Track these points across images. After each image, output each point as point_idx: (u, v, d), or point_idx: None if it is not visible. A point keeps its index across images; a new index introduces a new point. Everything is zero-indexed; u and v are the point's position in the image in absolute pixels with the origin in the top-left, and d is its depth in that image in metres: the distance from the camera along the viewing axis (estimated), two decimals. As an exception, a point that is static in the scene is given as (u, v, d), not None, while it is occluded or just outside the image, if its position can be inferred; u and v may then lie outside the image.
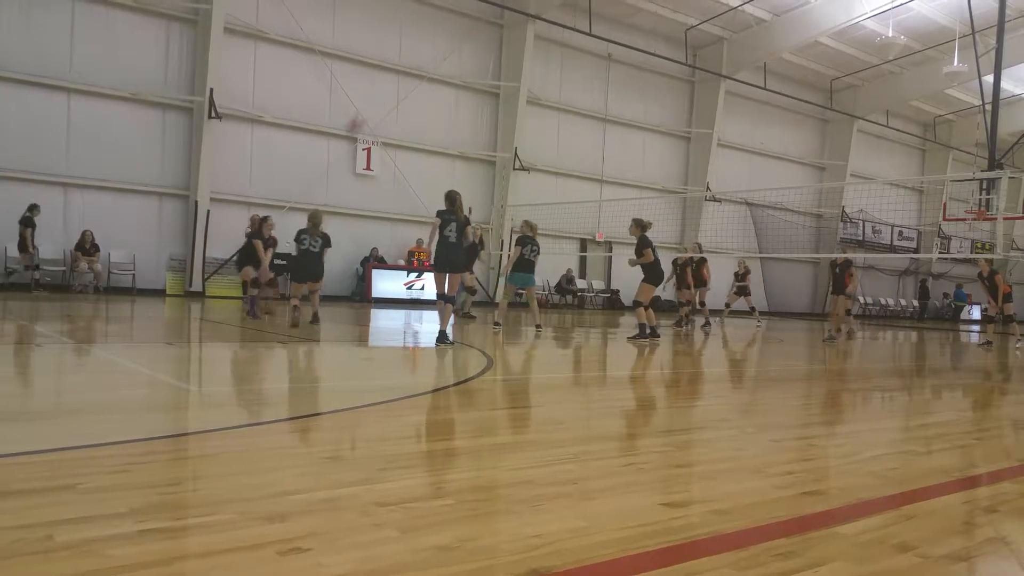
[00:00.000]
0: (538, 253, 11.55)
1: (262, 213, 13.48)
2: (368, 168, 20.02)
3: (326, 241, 10.74)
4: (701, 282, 15.65)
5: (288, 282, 12.70)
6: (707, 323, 15.51)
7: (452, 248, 8.50)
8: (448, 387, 5.55)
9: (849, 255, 14.32)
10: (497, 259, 21.57)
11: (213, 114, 17.19)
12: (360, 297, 19.40)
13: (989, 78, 20.11)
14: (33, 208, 15.03)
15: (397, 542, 2.08)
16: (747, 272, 17.11)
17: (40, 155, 16.01)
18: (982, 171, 19.13)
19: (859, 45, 25.49)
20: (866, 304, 30.51)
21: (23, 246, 15.02)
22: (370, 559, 1.96)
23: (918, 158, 34.28)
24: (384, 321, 13.52)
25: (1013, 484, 3.29)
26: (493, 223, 22.06)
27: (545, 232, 12.12)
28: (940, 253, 29.33)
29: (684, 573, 1.99)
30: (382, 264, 19.78)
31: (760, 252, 26.04)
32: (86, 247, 15.82)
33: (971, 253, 28.71)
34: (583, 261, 24.28)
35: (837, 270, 13.19)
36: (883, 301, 31.92)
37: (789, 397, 6.07)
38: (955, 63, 23.43)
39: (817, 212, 29.84)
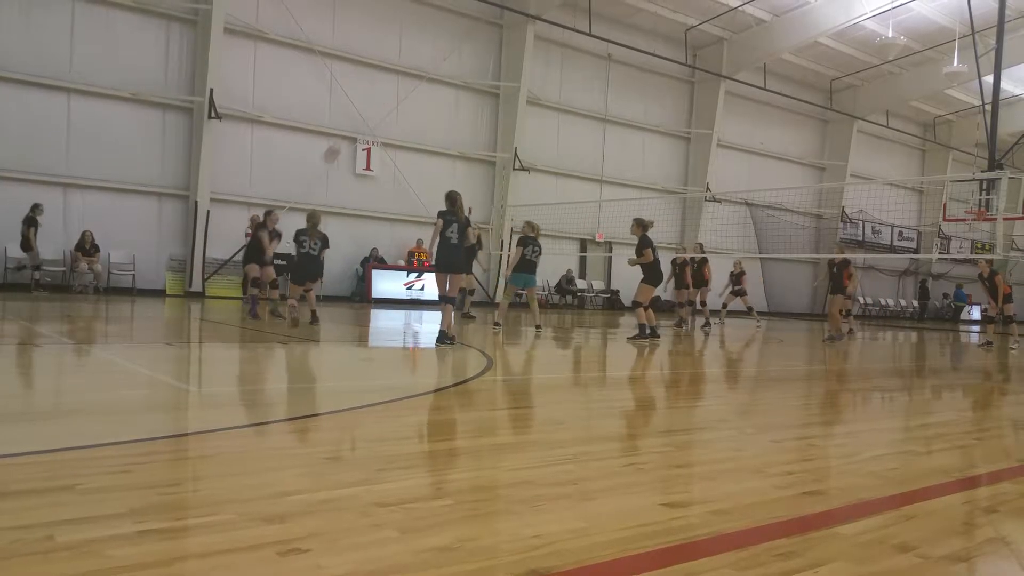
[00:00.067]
0: (540, 254, 11.56)
1: (262, 212, 13.48)
2: (368, 168, 20.03)
3: (324, 242, 10.78)
4: (702, 282, 15.66)
5: (287, 282, 12.70)
6: (707, 323, 15.51)
7: (454, 249, 8.52)
8: (448, 387, 5.55)
9: (847, 255, 14.30)
10: (496, 260, 21.58)
11: (213, 114, 17.19)
12: (360, 297, 19.40)
13: (989, 78, 20.11)
14: (36, 207, 15.04)
15: (397, 543, 2.08)
16: (742, 273, 17.09)
17: (40, 155, 16.01)
18: (982, 171, 19.13)
19: (859, 45, 25.50)
20: (866, 304, 30.50)
21: (27, 245, 15.03)
22: (370, 560, 1.96)
23: (918, 158, 34.29)
24: (384, 321, 13.52)
25: (1013, 484, 3.29)
26: (493, 223, 22.06)
27: (545, 232, 12.12)
28: (940, 253, 29.34)
29: (684, 573, 1.99)
30: (382, 264, 19.78)
31: (760, 252, 26.04)
32: (86, 247, 15.82)
33: (971, 253, 28.70)
34: (583, 261, 24.28)
35: (835, 270, 13.19)
36: (883, 301, 31.92)
37: (789, 397, 6.07)
38: (955, 63, 23.43)
39: (817, 212, 29.85)
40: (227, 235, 17.42)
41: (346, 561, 1.94)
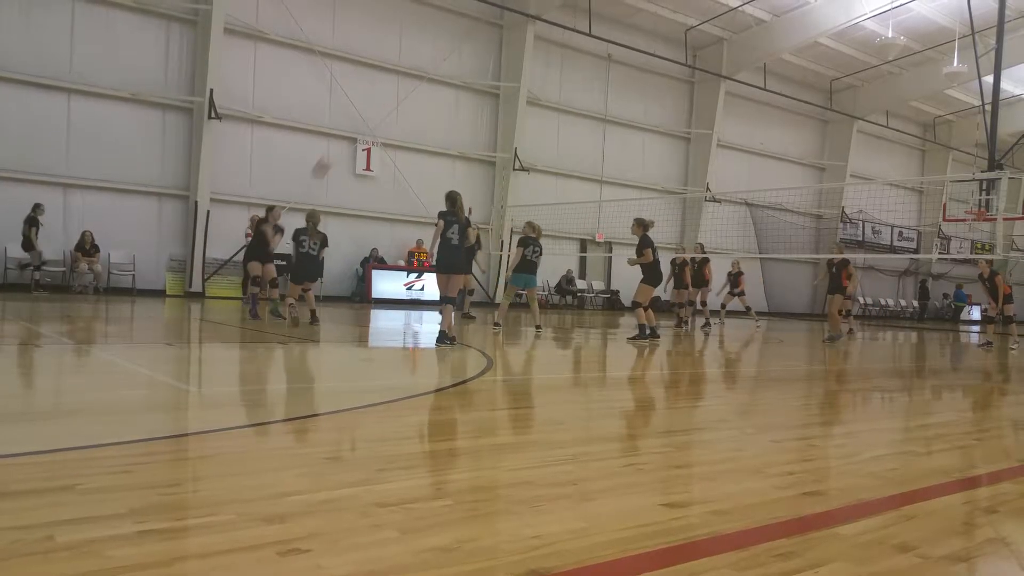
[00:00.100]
0: (540, 254, 11.55)
1: (263, 212, 13.48)
2: (368, 169, 20.03)
3: (324, 242, 10.80)
4: (703, 282, 15.67)
5: (287, 282, 12.69)
6: (707, 324, 15.51)
7: (455, 250, 8.54)
8: (448, 388, 5.55)
9: (847, 255, 14.30)
10: (496, 260, 21.59)
11: (213, 114, 17.20)
12: (360, 298, 19.40)
13: (989, 78, 20.12)
14: (37, 207, 15.07)
15: (397, 543, 2.08)
16: (740, 273, 17.10)
17: (40, 155, 16.01)
18: (982, 172, 19.13)
19: (859, 46, 25.50)
20: (866, 304, 30.51)
21: (28, 245, 15.04)
22: (370, 560, 1.96)
23: (918, 159, 34.30)
24: (384, 322, 13.52)
25: (1013, 485, 3.29)
26: (493, 224, 22.06)
27: (545, 232, 12.12)
28: (940, 254, 29.34)
29: (684, 574, 1.99)
30: (382, 265, 19.78)
31: (760, 253, 26.04)
32: (86, 248, 15.82)
33: (971, 254, 28.70)
34: (583, 262, 24.29)
35: (834, 269, 13.19)
36: (883, 302, 31.92)
37: (789, 398, 6.07)
38: (955, 64, 23.44)
39: (817, 213, 29.86)
40: (227, 235, 17.42)
41: (346, 561, 1.94)
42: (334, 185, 19.56)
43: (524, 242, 11.43)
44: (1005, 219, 19.90)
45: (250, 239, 12.28)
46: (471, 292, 15.24)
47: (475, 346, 8.69)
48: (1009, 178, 16.82)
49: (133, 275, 17.02)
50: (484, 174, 22.32)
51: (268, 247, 11.42)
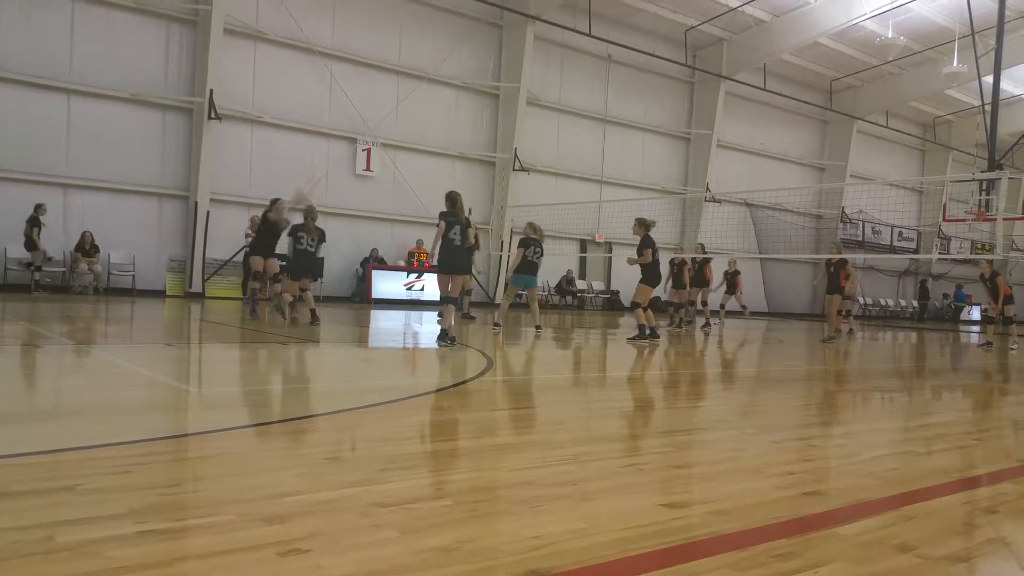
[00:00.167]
0: (541, 255, 11.54)
1: (262, 213, 13.45)
2: (368, 169, 20.03)
3: (321, 237, 10.81)
4: (703, 282, 15.67)
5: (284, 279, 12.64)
6: (707, 324, 15.51)
7: (457, 251, 8.55)
8: (448, 388, 5.55)
9: (845, 255, 14.31)
10: (496, 260, 21.59)
11: (213, 115, 17.20)
12: (360, 298, 19.40)
13: (989, 79, 20.11)
14: (39, 207, 15.09)
15: (397, 543, 2.08)
16: (737, 272, 17.10)
17: (40, 156, 16.01)
18: (982, 172, 19.14)
19: (859, 46, 25.50)
20: (866, 305, 30.51)
21: (31, 245, 15.05)
22: (370, 560, 1.96)
23: (918, 159, 34.30)
24: (384, 322, 13.52)
25: (1013, 485, 3.29)
26: (493, 224, 22.06)
27: (545, 233, 12.11)
28: (940, 254, 29.34)
29: (684, 574, 1.99)
30: (382, 265, 19.78)
31: (760, 253, 26.05)
32: (86, 248, 15.82)
33: (971, 254, 28.71)
34: (583, 262, 24.29)
35: (832, 269, 13.19)
36: (883, 302, 31.92)
37: (789, 398, 6.07)
38: (955, 64, 23.44)
39: (817, 213, 29.86)
40: (227, 236, 17.42)
41: (346, 561, 1.94)
42: (334, 185, 19.56)
43: (525, 243, 11.42)
44: (1005, 219, 19.91)
45: (251, 238, 12.20)
46: (469, 292, 15.24)
47: (475, 346, 8.70)
48: (1009, 178, 16.82)
49: (133, 275, 17.02)
50: (484, 174, 22.32)
51: (273, 240, 11.32)
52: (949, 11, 22.84)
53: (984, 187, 19.47)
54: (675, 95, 26.08)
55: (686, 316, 15.52)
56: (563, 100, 23.39)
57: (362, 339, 10.23)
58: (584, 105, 23.82)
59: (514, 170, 21.76)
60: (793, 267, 28.73)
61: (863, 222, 30.00)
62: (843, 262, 13.32)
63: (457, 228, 8.51)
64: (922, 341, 16.52)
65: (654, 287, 10.71)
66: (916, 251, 31.91)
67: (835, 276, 13.01)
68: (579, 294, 23.48)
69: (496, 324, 11.30)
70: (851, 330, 16.22)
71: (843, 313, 14.76)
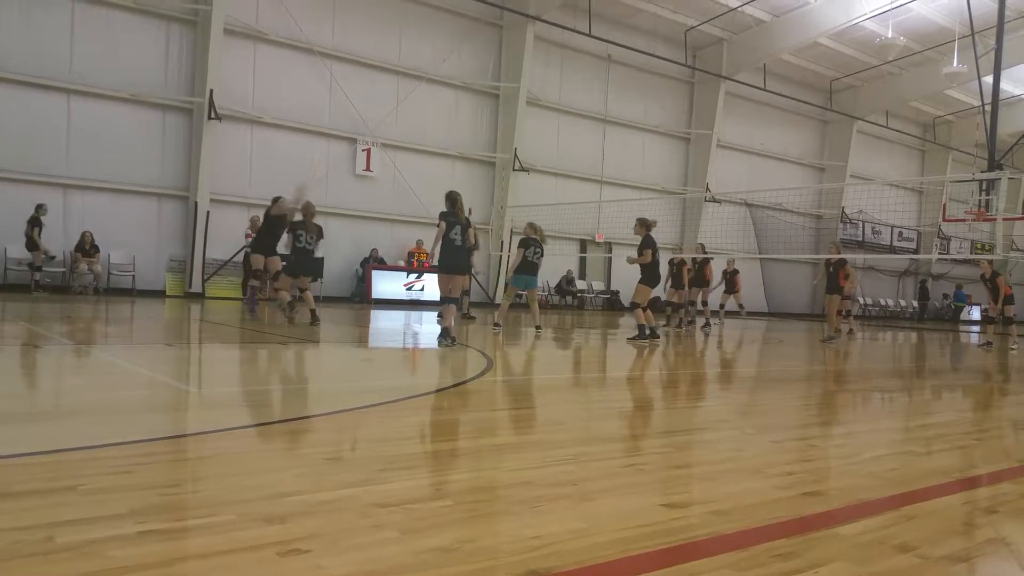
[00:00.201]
0: (542, 255, 11.53)
1: (262, 213, 13.43)
2: (368, 169, 20.03)
3: (319, 233, 10.78)
4: (703, 282, 15.68)
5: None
6: (707, 324, 15.51)
7: (458, 251, 8.56)
8: (448, 388, 5.55)
9: (844, 255, 14.31)
10: (496, 261, 21.59)
11: (213, 115, 17.20)
12: (360, 298, 19.40)
13: (989, 79, 20.12)
14: (40, 208, 15.11)
15: (397, 543, 2.09)
16: (736, 272, 17.10)
17: (40, 156, 16.01)
18: (982, 172, 19.14)
19: (859, 46, 25.51)
20: (866, 305, 30.51)
21: (32, 245, 15.05)
22: (370, 560, 1.96)
23: (918, 159, 34.30)
24: (384, 322, 13.52)
25: (1013, 485, 3.30)
26: (493, 224, 22.06)
27: (545, 233, 12.10)
28: (940, 254, 29.34)
29: (684, 574, 2.00)
30: (382, 265, 19.78)
31: (760, 253, 26.05)
32: (86, 248, 15.82)
33: (971, 254, 28.71)
34: (583, 262, 24.29)
35: (831, 269, 13.19)
36: (883, 302, 31.92)
37: (789, 398, 6.07)
38: (955, 64, 23.45)
39: (817, 213, 29.86)
40: (227, 236, 17.41)
41: (346, 562, 1.94)
42: (334, 185, 19.55)
43: (525, 243, 11.42)
44: (1005, 219, 19.91)
45: (251, 238, 12.16)
46: (467, 292, 15.24)
47: (475, 346, 8.70)
48: (1009, 178, 16.82)
49: (133, 275, 17.02)
50: (484, 174, 22.32)
51: (274, 239, 11.27)
52: (949, 11, 22.84)
53: (984, 187, 19.47)
54: (675, 95, 26.08)
55: (686, 316, 15.51)
56: (563, 100, 23.39)
57: (362, 339, 10.23)
58: (584, 105, 23.82)
59: (514, 170, 21.76)
60: (793, 267, 28.74)
61: (863, 222, 30.00)
62: (842, 262, 13.32)
63: (458, 228, 8.52)
64: (922, 341, 16.52)
65: (653, 287, 10.71)
66: (916, 251, 31.91)
67: (834, 276, 13.01)
68: (579, 294, 23.48)
69: (496, 324, 11.30)
70: (851, 330, 16.23)
71: (843, 313, 14.75)
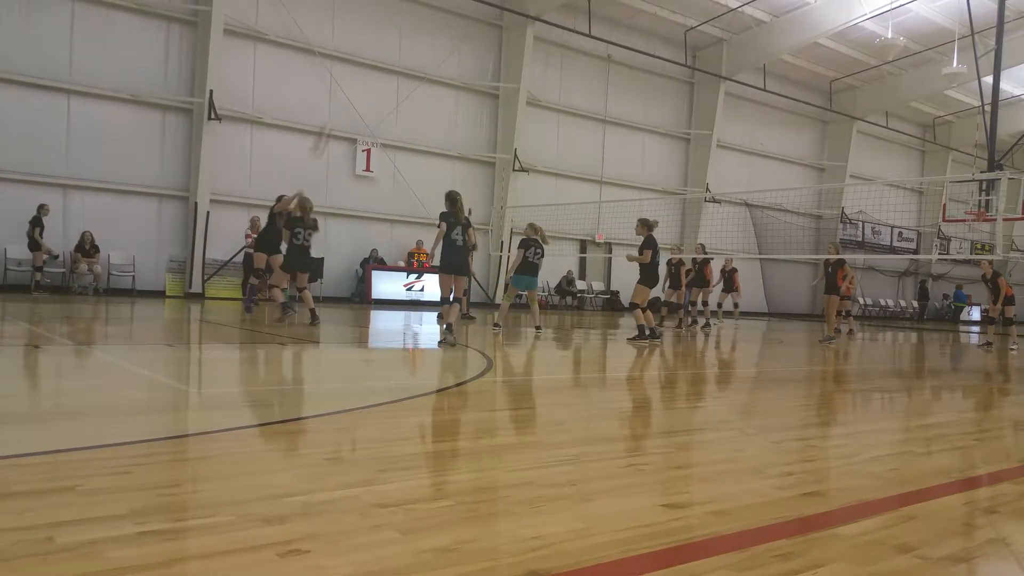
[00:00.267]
0: (542, 256, 11.53)
1: (261, 213, 13.43)
2: (368, 169, 20.04)
3: (314, 226, 10.77)
4: (704, 282, 15.68)
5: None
6: (707, 324, 15.51)
7: (459, 251, 8.57)
8: (448, 388, 5.55)
9: (843, 256, 14.31)
10: (496, 261, 21.58)
11: (213, 115, 17.20)
12: (360, 298, 19.40)
13: (988, 79, 20.13)
14: (42, 208, 15.13)
15: (397, 544, 2.08)
16: (734, 271, 17.09)
17: (40, 157, 16.01)
18: (981, 172, 19.14)
19: (858, 46, 25.52)
20: (866, 305, 30.51)
21: (34, 245, 15.04)
22: (370, 561, 1.96)
23: (917, 159, 34.31)
24: (384, 322, 13.52)
25: (1013, 485, 3.29)
26: (493, 224, 22.07)
27: (545, 233, 12.10)
28: (939, 254, 29.33)
29: (684, 574, 1.99)
30: (382, 265, 19.78)
31: (760, 253, 26.05)
32: (86, 248, 15.83)
33: (970, 254, 28.72)
34: (583, 262, 24.29)
35: (829, 269, 13.20)
36: (883, 302, 31.93)
37: (789, 398, 6.07)
38: (954, 64, 23.47)
39: (817, 213, 29.87)
40: (227, 236, 17.41)
41: (346, 562, 1.94)
42: (334, 186, 19.56)
43: (525, 244, 11.42)
44: (1005, 220, 19.89)
45: (250, 239, 12.15)
46: (465, 292, 15.23)
47: (475, 347, 8.69)
48: (1009, 178, 16.82)
49: (133, 276, 17.02)
50: (484, 175, 22.32)
51: (277, 238, 11.24)
52: (949, 11, 22.85)
53: (984, 187, 19.48)
54: (675, 95, 26.09)
55: (687, 317, 15.52)
56: (563, 100, 23.40)
57: (362, 339, 10.22)
58: (584, 105, 23.82)
59: (514, 170, 21.77)
60: (793, 267, 28.74)
61: (863, 222, 30.01)
62: (840, 262, 13.32)
63: (459, 229, 8.53)
64: (922, 341, 16.52)
65: (651, 287, 10.72)
66: (916, 251, 31.92)
67: (832, 276, 13.01)
68: (579, 295, 23.48)
69: (496, 325, 11.30)
70: (851, 330, 16.23)
71: (842, 313, 14.75)
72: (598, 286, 24.52)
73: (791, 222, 26.38)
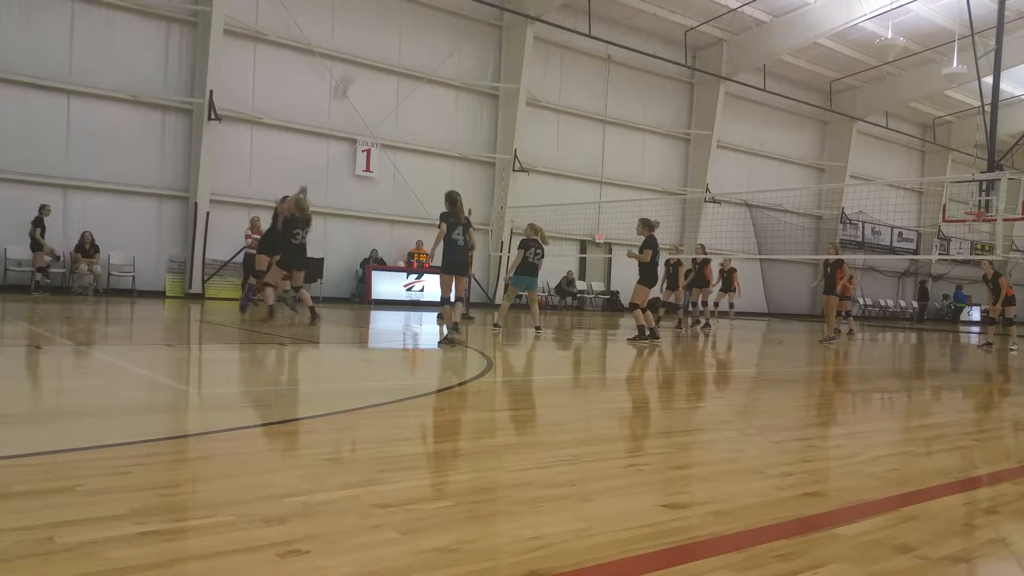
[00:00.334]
0: (542, 256, 11.53)
1: (261, 214, 13.42)
2: (368, 170, 20.04)
3: (308, 222, 10.79)
4: (704, 282, 15.69)
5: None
6: (707, 324, 15.51)
7: (460, 251, 8.58)
8: (448, 389, 5.55)
9: (843, 256, 14.31)
10: (496, 261, 21.58)
11: (213, 116, 17.19)
12: (360, 299, 19.40)
13: (988, 79, 20.13)
14: (43, 208, 15.14)
15: (397, 544, 2.08)
16: (733, 270, 17.08)
17: (40, 157, 16.01)
18: (981, 172, 19.14)
19: (858, 46, 25.52)
20: (866, 305, 30.51)
21: (36, 246, 15.04)
22: (370, 561, 1.96)
23: (917, 159, 34.31)
24: (384, 323, 13.52)
25: (1013, 485, 3.29)
26: (493, 225, 22.07)
27: (546, 233, 12.09)
28: (939, 254, 29.33)
29: (684, 574, 1.99)
30: (382, 266, 19.78)
31: (760, 253, 26.05)
32: (86, 249, 15.82)
33: (970, 254, 28.72)
34: (583, 263, 24.29)
35: (828, 269, 13.20)
36: (883, 302, 31.93)
37: (789, 398, 6.07)
38: (954, 64, 23.47)
39: (817, 213, 29.87)
40: (227, 237, 17.42)
41: (346, 562, 1.94)
42: (334, 186, 19.56)
43: (525, 244, 11.42)
44: (1005, 220, 19.88)
45: (250, 239, 12.15)
46: (465, 292, 15.24)
47: (475, 347, 8.69)
48: (1008, 179, 16.82)
49: (133, 276, 17.02)
50: (484, 175, 22.32)
51: (279, 239, 11.24)
52: (949, 12, 22.86)
53: (984, 188, 19.48)
54: (675, 96, 26.09)
55: (687, 317, 15.52)
56: (563, 101, 23.40)
57: (362, 340, 10.22)
58: (584, 106, 23.82)
59: (514, 171, 21.77)
60: (793, 268, 28.75)
61: (863, 223, 30.01)
62: (839, 263, 13.32)
63: (459, 229, 8.54)
64: (922, 342, 16.52)
65: (650, 287, 10.74)
66: (916, 252, 31.92)
67: (831, 277, 13.01)
68: (579, 295, 23.48)
69: (496, 325, 11.30)
70: (851, 331, 16.23)
71: (842, 314, 14.74)
72: (598, 286, 24.52)
73: (791, 222, 26.38)
